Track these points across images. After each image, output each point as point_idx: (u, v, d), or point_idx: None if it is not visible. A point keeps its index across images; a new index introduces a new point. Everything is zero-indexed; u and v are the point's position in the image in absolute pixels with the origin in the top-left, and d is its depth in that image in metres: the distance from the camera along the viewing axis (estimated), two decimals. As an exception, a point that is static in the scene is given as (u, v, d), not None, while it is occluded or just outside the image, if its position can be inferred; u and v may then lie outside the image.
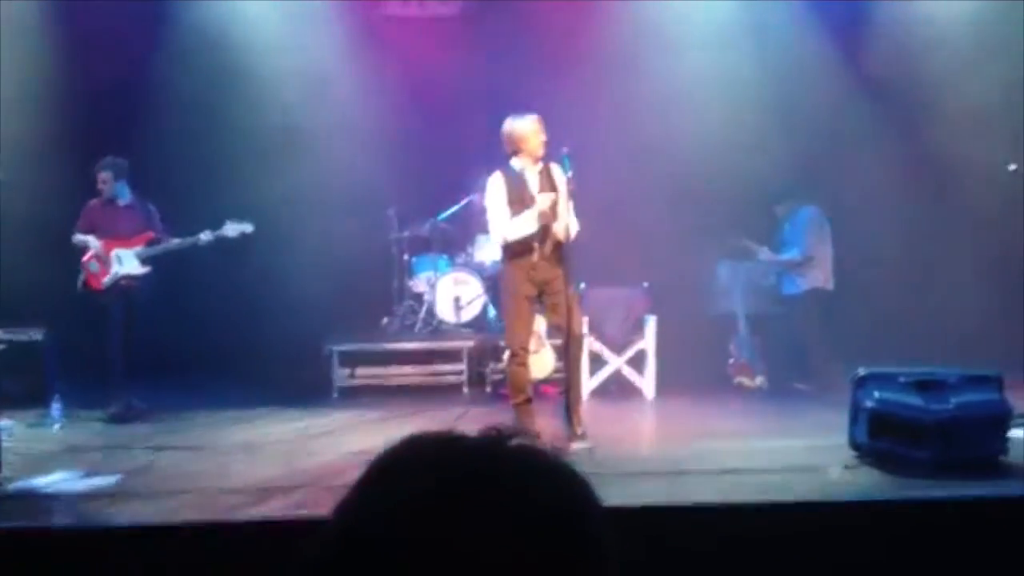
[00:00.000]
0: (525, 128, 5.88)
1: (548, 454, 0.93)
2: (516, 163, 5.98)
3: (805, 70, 9.18)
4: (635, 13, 9.21)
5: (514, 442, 0.93)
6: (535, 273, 5.91)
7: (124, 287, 7.32)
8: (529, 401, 6.07)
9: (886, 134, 9.14)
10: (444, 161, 9.38)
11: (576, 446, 5.64)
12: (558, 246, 5.90)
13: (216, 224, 7.47)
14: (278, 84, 9.19)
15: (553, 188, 5.97)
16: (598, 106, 8.58)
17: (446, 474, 0.87)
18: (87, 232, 7.37)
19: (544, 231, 5.83)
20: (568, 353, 6.04)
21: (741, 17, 9.22)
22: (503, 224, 5.95)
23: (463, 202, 9.40)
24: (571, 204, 5.96)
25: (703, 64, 9.01)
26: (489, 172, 6.13)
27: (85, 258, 7.34)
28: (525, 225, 5.85)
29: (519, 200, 5.90)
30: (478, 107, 9.13)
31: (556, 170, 6.03)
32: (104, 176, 7.35)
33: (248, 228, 7.47)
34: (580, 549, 0.87)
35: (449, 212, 9.41)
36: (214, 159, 8.95)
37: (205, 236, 7.39)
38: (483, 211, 9.35)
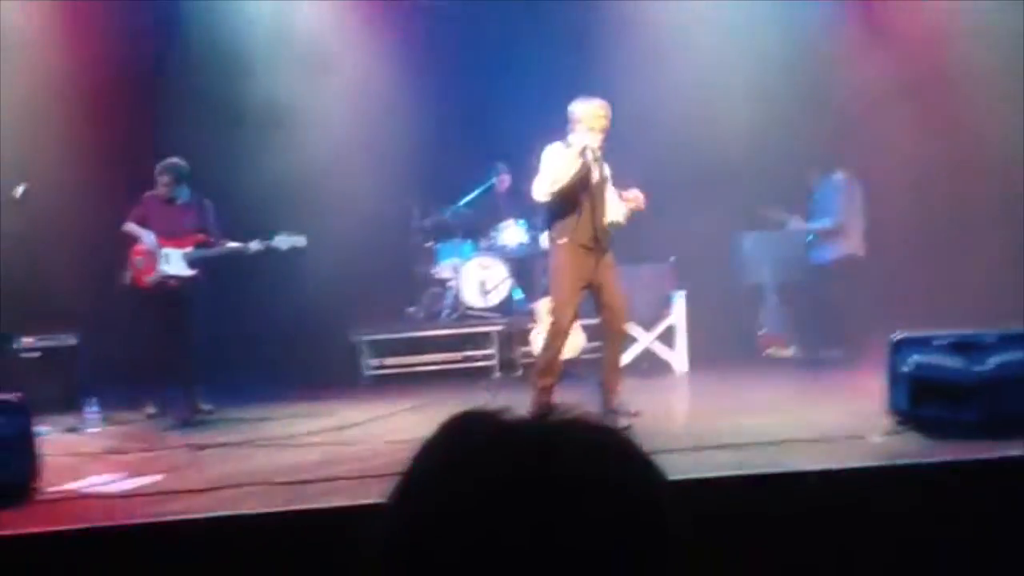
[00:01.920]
0: (581, 110, 5.91)
1: (606, 428, 0.89)
2: (573, 139, 5.94)
3: (832, 39, 9.05)
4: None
5: (568, 416, 0.89)
6: (584, 261, 5.93)
7: (172, 288, 7.13)
8: (553, 387, 6.06)
9: (917, 101, 8.99)
10: (464, 148, 9.36)
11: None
12: (606, 237, 5.97)
13: (254, 224, 7.36)
14: (296, 79, 9.14)
15: (604, 178, 6.05)
16: (621, 82, 8.49)
17: (501, 456, 0.84)
18: (140, 224, 7.20)
19: (593, 220, 5.87)
20: (612, 346, 6.13)
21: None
22: (543, 177, 5.91)
23: (484, 186, 9.38)
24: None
25: (727, 35, 8.91)
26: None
27: (134, 253, 7.19)
28: (567, 165, 5.81)
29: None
30: (498, 93, 9.11)
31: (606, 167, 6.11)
32: (166, 180, 7.20)
33: (301, 242, 7.28)
34: (646, 526, 0.83)
35: (470, 197, 9.38)
36: (232, 155, 8.90)
37: (255, 245, 7.21)
38: (506, 195, 9.42)
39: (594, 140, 5.85)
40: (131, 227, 7.20)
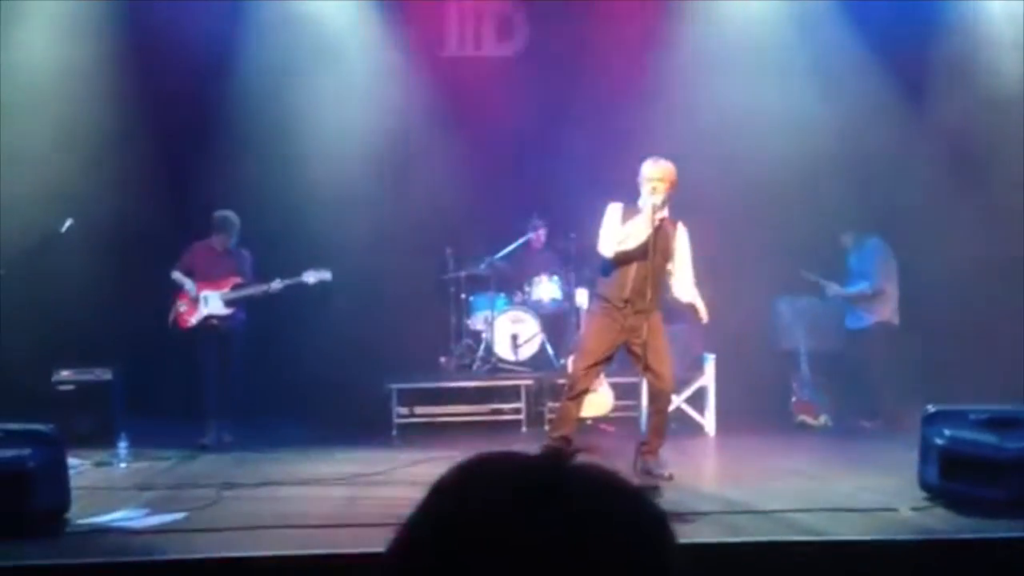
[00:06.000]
0: (643, 170, 5.91)
1: (618, 474, 0.90)
2: (644, 201, 5.88)
3: (869, 101, 9.04)
4: (694, 42, 9.16)
5: (579, 459, 0.89)
6: (619, 320, 5.91)
7: (213, 327, 7.73)
8: (567, 440, 6.01)
9: (954, 168, 8.95)
10: (501, 201, 9.43)
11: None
12: (653, 298, 5.90)
13: (291, 271, 7.77)
14: (338, 130, 9.28)
15: (665, 243, 5.98)
16: (654, 140, 8.57)
17: (514, 486, 0.85)
18: (186, 272, 7.80)
19: (642, 284, 5.81)
20: (656, 409, 6.15)
21: (805, 43, 9.12)
22: (610, 234, 5.90)
23: (520, 241, 9.44)
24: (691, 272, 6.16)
25: (765, 92, 8.87)
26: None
27: (179, 297, 7.77)
28: (635, 229, 5.80)
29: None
30: (535, 147, 9.21)
31: (680, 232, 6.08)
32: (222, 233, 7.82)
33: (327, 276, 7.83)
34: (649, 569, 0.84)
35: (506, 251, 9.44)
36: (275, 204, 9.00)
37: (275, 285, 7.76)
38: (541, 250, 9.48)
39: (658, 199, 5.80)
40: (177, 276, 7.83)
